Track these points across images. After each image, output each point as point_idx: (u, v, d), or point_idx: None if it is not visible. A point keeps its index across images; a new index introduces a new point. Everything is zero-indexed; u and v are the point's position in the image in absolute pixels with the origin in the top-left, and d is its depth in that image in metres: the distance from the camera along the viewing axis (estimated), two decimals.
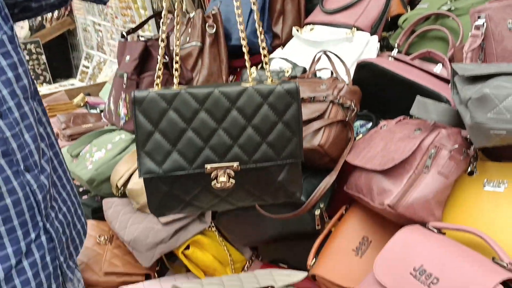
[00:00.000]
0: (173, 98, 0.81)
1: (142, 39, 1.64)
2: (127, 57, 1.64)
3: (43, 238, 0.92)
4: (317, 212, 1.14)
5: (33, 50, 4.32)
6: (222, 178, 0.83)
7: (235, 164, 0.83)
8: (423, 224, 0.95)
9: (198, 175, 0.84)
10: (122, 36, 1.74)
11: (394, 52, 1.53)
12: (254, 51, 1.77)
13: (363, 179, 1.07)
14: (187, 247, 1.33)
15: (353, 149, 1.17)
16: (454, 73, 1.00)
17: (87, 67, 4.21)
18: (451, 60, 1.45)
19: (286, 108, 0.84)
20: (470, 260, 0.81)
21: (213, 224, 1.39)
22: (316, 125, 1.14)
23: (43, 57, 4.34)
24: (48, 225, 0.93)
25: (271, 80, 0.87)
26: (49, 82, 4.38)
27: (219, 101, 0.82)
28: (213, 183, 0.84)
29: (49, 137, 1.03)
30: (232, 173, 0.84)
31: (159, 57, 0.85)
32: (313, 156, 1.17)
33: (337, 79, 1.27)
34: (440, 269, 0.82)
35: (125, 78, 1.58)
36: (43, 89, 3.97)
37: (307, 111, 1.18)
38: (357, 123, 1.40)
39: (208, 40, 1.67)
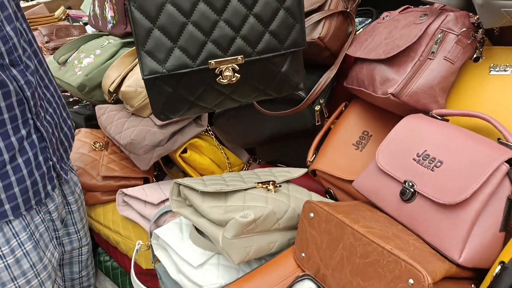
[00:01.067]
0: None
1: None
2: None
3: (34, 136, 0.90)
4: (317, 107, 1.11)
5: None
6: (227, 73, 0.80)
7: (239, 57, 0.80)
8: (426, 112, 0.93)
9: (202, 71, 0.81)
10: None
11: None
12: None
13: (364, 71, 1.03)
14: (184, 151, 1.32)
15: (354, 42, 1.12)
16: None
17: None
18: None
19: None
20: (475, 142, 0.80)
21: (209, 128, 1.37)
22: (316, 16, 1.09)
23: None
24: (38, 124, 0.91)
25: None
26: None
27: None
28: (218, 78, 0.81)
29: (27, 33, 0.98)
30: (237, 67, 0.81)
31: None
32: (313, 50, 1.12)
33: None
34: (443, 152, 0.82)
35: None
36: (21, 3, 3.78)
37: (306, 2, 1.12)
38: (356, 20, 1.34)
39: None
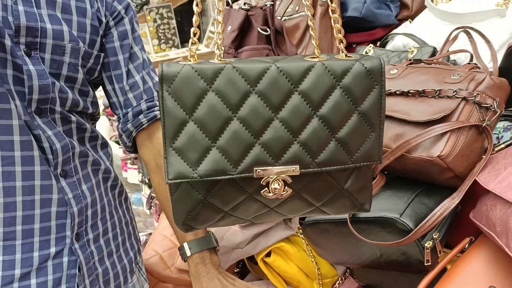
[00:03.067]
0: (215, 75, 0.61)
1: (245, 7, 1.45)
2: (229, 27, 1.47)
3: (65, 259, 0.79)
4: (429, 244, 0.86)
5: (165, 15, 4.42)
6: (276, 185, 0.63)
7: (294, 167, 0.63)
8: None
9: (244, 180, 0.64)
10: (227, 3, 1.57)
11: None
12: (375, 25, 1.49)
13: (498, 212, 0.77)
14: (268, 254, 1.15)
15: (488, 166, 0.86)
16: None
17: (213, 33, 4.20)
18: None
19: (365, 93, 0.64)
20: None
21: (300, 231, 1.19)
22: (439, 129, 0.86)
23: (174, 21, 4.42)
24: (76, 246, 0.81)
25: (346, 55, 0.65)
26: (177, 47, 4.48)
27: (278, 81, 0.62)
28: (263, 191, 0.64)
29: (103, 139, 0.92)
30: (289, 180, 0.64)
31: (194, 17, 0.65)
32: (431, 169, 0.89)
33: (477, 67, 0.95)
34: None
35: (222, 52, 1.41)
36: (171, 53, 4.07)
37: (429, 109, 0.90)
38: (500, 125, 1.06)
39: (319, 10, 1.42)
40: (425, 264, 0.88)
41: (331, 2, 0.65)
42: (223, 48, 0.67)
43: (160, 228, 1.33)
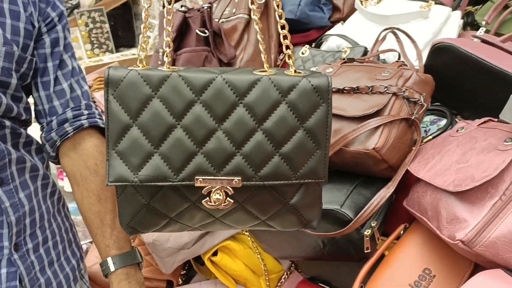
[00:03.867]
0: (161, 82, 0.62)
1: (182, 9, 1.46)
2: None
3: (4, 271, 0.77)
4: (368, 232, 0.91)
5: (97, 19, 4.29)
6: (217, 196, 0.64)
7: (236, 179, 0.64)
8: (508, 269, 0.70)
9: (187, 188, 0.65)
10: (163, 5, 1.57)
11: (481, 31, 1.24)
12: (309, 26, 1.54)
13: (428, 198, 0.83)
14: (215, 253, 1.16)
15: (418, 156, 0.92)
16: None
17: (149, 37, 4.13)
18: None
19: (311, 110, 0.64)
20: None
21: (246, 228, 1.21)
22: (373, 123, 0.91)
23: (107, 25, 4.31)
24: (16, 257, 0.78)
25: (295, 71, 0.66)
26: (111, 51, 4.37)
27: (223, 92, 0.62)
28: (204, 200, 0.65)
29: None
30: (231, 190, 0.65)
31: (143, 23, 0.66)
32: (366, 161, 0.94)
33: (405, 64, 1.02)
34: None
35: (160, 54, 1.41)
36: (105, 58, 3.96)
37: (363, 104, 0.95)
38: (427, 118, 1.14)
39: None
40: (365, 251, 0.92)
41: None
42: (169, 55, 0.67)
43: None
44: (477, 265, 0.83)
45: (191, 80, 0.62)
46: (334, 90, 1.01)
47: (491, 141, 0.78)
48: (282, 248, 1.08)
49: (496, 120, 0.88)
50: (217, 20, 1.51)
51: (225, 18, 1.53)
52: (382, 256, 0.95)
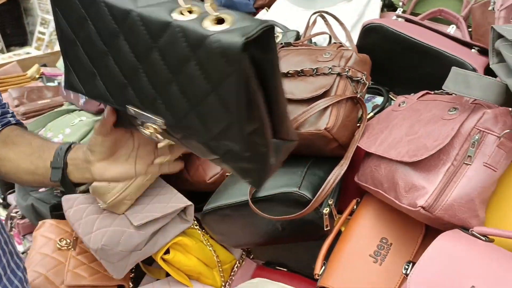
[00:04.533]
0: (89, 5, 0.58)
1: None
2: None
3: None
4: (326, 210, 0.94)
5: None
6: (149, 130, 0.61)
7: (159, 120, 0.59)
8: (465, 228, 0.76)
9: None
10: None
11: (398, 12, 1.32)
12: None
13: (383, 171, 0.87)
14: (167, 251, 1.12)
15: (366, 132, 0.96)
16: (496, 37, 0.80)
17: (43, 34, 3.85)
18: (466, 20, 1.25)
19: (220, 76, 0.50)
20: None
21: (195, 222, 1.19)
22: (322, 103, 0.93)
23: None
24: None
25: (217, 19, 0.50)
26: (2, 52, 4.01)
27: (137, 30, 0.54)
28: (140, 128, 0.63)
29: None
30: (159, 129, 0.60)
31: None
32: (318, 142, 0.96)
33: (342, 45, 1.05)
34: None
35: None
36: None
37: (310, 86, 0.97)
38: None
39: None
40: (325, 229, 0.95)
41: None
42: None
43: (36, 247, 1.20)
44: (428, 229, 0.90)
45: (112, 7, 0.56)
46: None
47: (435, 112, 0.84)
48: (240, 237, 1.08)
49: (432, 92, 0.94)
50: None
51: None
52: (339, 233, 0.99)
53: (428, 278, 0.72)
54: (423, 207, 0.76)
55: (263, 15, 1.47)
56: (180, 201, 1.14)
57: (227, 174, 1.18)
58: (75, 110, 1.40)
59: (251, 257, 1.25)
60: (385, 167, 0.86)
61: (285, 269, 1.11)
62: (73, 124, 1.31)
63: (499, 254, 0.69)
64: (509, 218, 0.77)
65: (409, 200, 0.79)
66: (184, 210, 1.14)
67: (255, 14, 1.52)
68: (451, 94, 0.88)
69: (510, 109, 0.78)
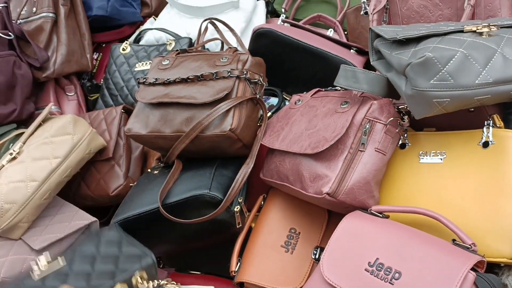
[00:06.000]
0: None
1: None
2: None
3: None
4: (237, 208, 0.97)
5: None
6: None
7: None
8: (364, 209, 0.85)
9: None
10: None
11: (282, 17, 1.41)
12: (121, 23, 1.51)
13: (287, 165, 0.92)
14: None
15: (268, 130, 1.02)
16: (374, 36, 0.90)
17: None
18: (342, 24, 1.38)
19: None
20: (429, 246, 0.73)
21: None
22: (224, 106, 0.96)
23: None
24: None
25: None
26: None
27: None
28: None
29: None
30: None
31: None
32: (223, 143, 0.99)
33: (237, 50, 1.10)
34: (399, 260, 0.73)
35: None
36: None
37: (211, 90, 0.99)
38: None
39: (62, 10, 1.35)
40: (237, 226, 0.98)
41: None
42: None
43: None
44: (330, 215, 0.98)
45: None
46: (178, 80, 1.03)
47: (329, 107, 0.92)
48: (151, 245, 1.05)
49: (323, 90, 1.02)
50: (14, 21, 1.36)
51: (23, 19, 1.38)
52: (250, 229, 1.02)
53: (338, 256, 0.78)
54: (328, 194, 0.83)
55: (151, 23, 1.46)
56: (83, 218, 1.09)
57: (131, 184, 1.16)
58: None
59: (160, 266, 1.23)
60: (289, 161, 0.92)
61: (198, 272, 1.12)
62: None
63: (395, 227, 0.78)
64: (399, 195, 0.87)
65: (315, 188, 0.85)
66: (89, 226, 1.09)
67: (142, 23, 1.50)
68: (340, 90, 0.97)
69: (391, 100, 0.88)
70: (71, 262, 0.90)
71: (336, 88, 1.01)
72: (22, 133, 1.17)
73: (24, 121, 1.29)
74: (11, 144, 1.16)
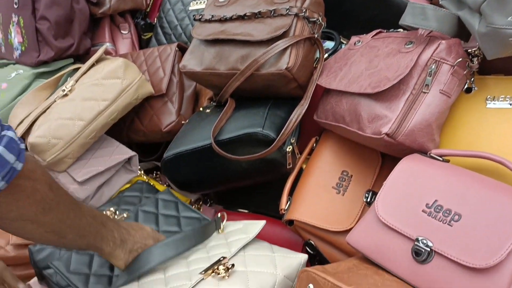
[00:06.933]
0: None
1: None
2: None
3: None
4: (289, 148, 0.97)
5: None
6: None
7: None
8: (423, 152, 0.82)
9: None
10: None
11: None
12: None
13: (344, 105, 0.90)
14: None
15: (324, 71, 0.99)
16: None
17: None
18: None
19: None
20: (492, 190, 0.70)
21: (142, 172, 1.17)
22: (282, 44, 0.94)
23: None
24: None
25: None
26: None
27: None
28: None
29: None
30: None
31: None
32: (278, 82, 0.97)
33: None
34: (459, 203, 0.71)
35: None
36: None
37: (268, 28, 0.97)
38: None
39: None
40: (288, 167, 0.98)
41: None
42: None
43: None
44: (384, 160, 0.96)
45: None
46: (235, 17, 1.01)
47: (392, 47, 0.88)
48: (201, 181, 1.08)
49: (385, 31, 0.98)
50: None
51: None
52: (300, 171, 1.02)
53: (394, 197, 0.77)
54: (387, 134, 0.81)
55: None
56: (123, 152, 1.12)
57: (183, 122, 1.17)
58: (8, 63, 1.30)
59: (207, 204, 1.26)
60: (346, 102, 0.90)
61: (246, 211, 1.13)
62: (10, 78, 1.22)
63: (456, 171, 0.76)
64: (461, 140, 0.84)
65: (373, 129, 0.83)
66: (129, 160, 1.12)
67: None
68: (404, 31, 0.93)
69: (460, 40, 0.84)
70: (136, 219, 0.94)
71: (398, 30, 0.97)
72: (79, 68, 1.19)
73: (80, 56, 1.31)
74: (69, 77, 1.18)
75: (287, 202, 0.97)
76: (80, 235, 0.73)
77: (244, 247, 0.85)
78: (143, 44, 1.42)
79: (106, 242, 0.77)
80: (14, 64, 1.29)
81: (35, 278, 0.94)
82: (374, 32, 0.99)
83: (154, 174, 1.34)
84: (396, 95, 0.82)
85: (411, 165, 0.80)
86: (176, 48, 1.20)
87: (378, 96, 0.84)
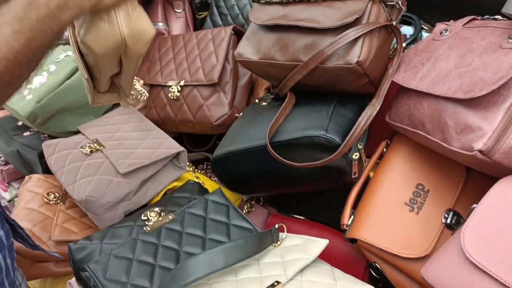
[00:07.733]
0: None
1: None
2: None
3: None
4: (356, 155, 0.83)
5: None
6: None
7: None
8: None
9: None
10: None
11: None
12: None
13: (426, 109, 0.76)
14: None
15: (402, 65, 0.84)
16: None
17: None
18: None
19: None
20: None
21: (193, 167, 1.08)
22: (353, 33, 0.80)
23: None
24: None
25: None
26: None
27: None
28: None
29: None
30: None
31: None
32: (346, 77, 0.84)
33: None
34: None
35: None
36: None
37: (338, 13, 0.83)
38: None
39: None
40: (353, 176, 0.85)
41: None
42: None
43: (22, 203, 1.09)
44: (468, 174, 0.81)
45: None
46: (297, 0, 0.88)
47: (490, 40, 0.72)
48: (253, 184, 0.97)
49: (479, 18, 0.81)
50: None
51: None
52: (367, 179, 0.89)
53: (487, 230, 0.63)
54: (480, 151, 0.66)
55: None
56: (171, 146, 1.02)
57: (236, 115, 1.06)
58: (59, 43, 1.24)
59: (260, 203, 1.16)
60: (429, 105, 0.75)
61: (302, 217, 1.02)
62: (59, 60, 1.15)
63: None
64: None
65: (462, 142, 0.68)
66: (177, 155, 1.02)
67: None
68: (506, 20, 0.76)
69: None
70: (182, 222, 0.86)
71: (496, 17, 0.80)
72: None
73: None
74: None
75: (350, 217, 0.84)
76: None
77: (301, 269, 0.74)
78: (198, 24, 1.31)
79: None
80: (63, 44, 1.23)
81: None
82: (466, 19, 0.82)
83: (205, 165, 1.26)
84: (494, 102, 0.67)
85: (510, 191, 0.65)
86: (232, 32, 1.08)
87: (471, 102, 0.69)
